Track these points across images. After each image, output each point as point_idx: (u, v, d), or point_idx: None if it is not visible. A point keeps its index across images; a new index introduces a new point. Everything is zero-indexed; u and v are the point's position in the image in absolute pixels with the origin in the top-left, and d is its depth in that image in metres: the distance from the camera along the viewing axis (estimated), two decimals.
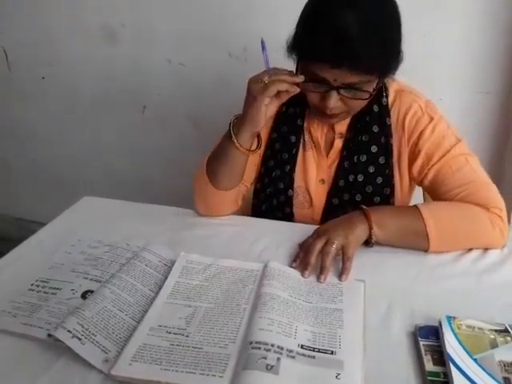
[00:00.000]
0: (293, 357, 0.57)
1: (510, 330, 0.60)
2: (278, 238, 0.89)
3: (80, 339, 0.61)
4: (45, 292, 0.72)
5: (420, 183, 0.92)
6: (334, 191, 0.95)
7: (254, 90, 0.82)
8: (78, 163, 1.93)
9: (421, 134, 0.88)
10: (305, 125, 0.96)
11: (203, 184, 0.92)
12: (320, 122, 0.94)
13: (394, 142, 0.92)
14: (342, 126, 0.94)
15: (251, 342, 0.58)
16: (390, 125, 0.91)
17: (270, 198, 0.99)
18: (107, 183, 1.89)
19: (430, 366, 0.57)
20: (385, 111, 0.91)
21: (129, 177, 1.88)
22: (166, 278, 0.75)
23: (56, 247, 0.84)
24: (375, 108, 0.90)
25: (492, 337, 0.59)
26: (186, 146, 1.71)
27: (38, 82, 1.81)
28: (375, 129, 0.91)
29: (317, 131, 0.95)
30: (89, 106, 1.81)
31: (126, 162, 1.88)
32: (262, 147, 0.98)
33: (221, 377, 0.55)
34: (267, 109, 0.84)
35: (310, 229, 0.86)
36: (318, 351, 0.59)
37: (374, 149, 0.91)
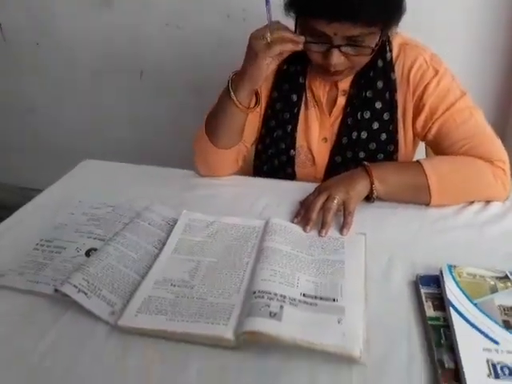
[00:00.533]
0: (295, 305, 0.58)
1: (510, 276, 0.61)
2: (279, 196, 0.89)
3: (86, 293, 0.62)
4: (50, 251, 0.73)
5: (423, 138, 0.91)
6: (336, 149, 0.95)
7: (256, 47, 0.80)
8: (76, 132, 1.92)
9: (426, 87, 0.87)
10: (306, 83, 0.94)
11: (203, 143, 0.92)
12: (323, 80, 0.93)
13: (399, 97, 0.90)
14: (345, 83, 0.92)
15: (254, 292, 0.59)
16: (395, 80, 0.89)
17: (272, 159, 0.99)
18: (106, 151, 1.87)
19: (430, 311, 0.58)
20: (389, 66, 0.89)
21: (128, 144, 1.87)
22: (169, 235, 0.75)
23: (57, 209, 0.85)
24: (379, 63, 0.88)
25: (492, 283, 0.60)
26: (186, 110, 1.68)
27: (34, 51, 1.78)
28: (379, 84, 0.89)
29: (319, 89, 0.94)
30: (85, 72, 1.78)
31: (125, 129, 1.87)
32: (263, 107, 0.97)
33: (225, 325, 0.56)
34: (268, 67, 0.82)
35: (311, 187, 0.86)
36: (320, 299, 0.59)
37: (378, 105, 0.90)
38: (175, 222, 0.79)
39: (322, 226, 0.75)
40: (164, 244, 0.73)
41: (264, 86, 0.94)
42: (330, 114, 0.95)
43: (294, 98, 0.94)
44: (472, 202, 0.83)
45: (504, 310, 0.56)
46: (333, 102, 0.94)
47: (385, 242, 0.74)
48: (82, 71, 1.79)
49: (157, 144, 1.81)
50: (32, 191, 1.05)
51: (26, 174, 2.07)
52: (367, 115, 0.91)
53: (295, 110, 0.95)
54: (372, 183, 0.79)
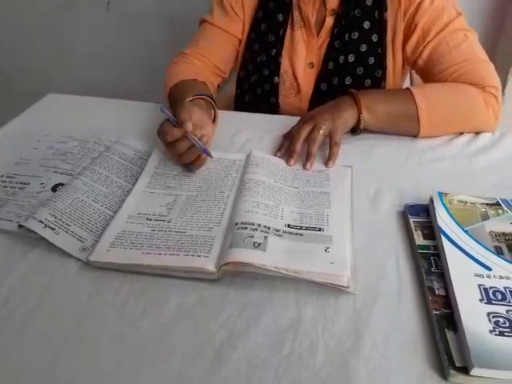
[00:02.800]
0: (280, 235, 0.55)
1: (501, 203, 0.59)
2: (261, 129, 0.83)
3: (53, 229, 0.57)
4: (12, 187, 0.67)
5: (413, 64, 0.86)
6: (322, 75, 0.89)
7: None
8: (40, 70, 1.78)
9: (419, 5, 0.81)
10: (294, 1, 0.87)
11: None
12: None
13: (389, 17, 0.84)
14: (333, 1, 0.85)
15: (237, 223, 0.56)
16: None
17: (255, 87, 0.93)
18: (72, 90, 1.77)
19: (420, 240, 0.56)
20: None
21: (95, 83, 1.74)
22: (143, 169, 0.70)
23: (20, 144, 0.78)
24: None
25: (483, 210, 0.58)
26: (157, 44, 1.57)
27: None
28: (369, 2, 0.83)
29: (308, 6, 0.86)
30: (49, 4, 1.63)
31: (93, 67, 1.74)
32: (246, 29, 0.90)
33: (206, 256, 0.52)
34: None
35: (294, 120, 0.80)
36: (306, 229, 0.56)
37: (366, 25, 0.84)
38: (148, 156, 0.73)
39: (306, 158, 0.71)
40: (137, 178, 0.68)
41: (248, 5, 0.88)
42: (317, 36, 0.88)
43: (280, 17, 0.87)
44: (461, 134, 0.80)
45: (495, 236, 0.54)
46: (321, 23, 0.87)
47: (371, 174, 0.70)
48: (44, 1, 1.63)
49: (127, 82, 1.70)
50: None
51: None
52: (355, 36, 0.84)
53: (281, 32, 0.88)
54: (360, 113, 0.75)
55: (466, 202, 0.59)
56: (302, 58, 0.90)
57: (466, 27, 0.81)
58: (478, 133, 0.80)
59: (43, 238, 0.56)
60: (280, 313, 0.49)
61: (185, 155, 0.66)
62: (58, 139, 0.78)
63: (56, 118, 0.88)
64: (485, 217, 0.57)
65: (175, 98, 0.80)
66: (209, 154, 0.67)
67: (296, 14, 0.88)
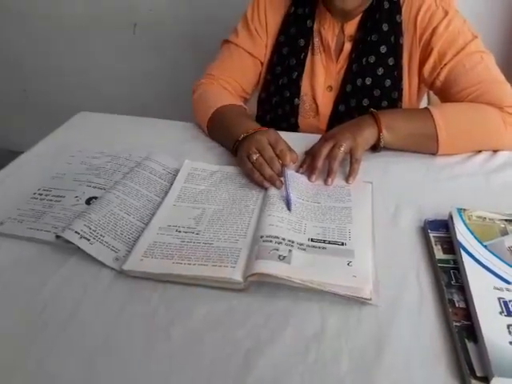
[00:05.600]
0: (304, 249, 0.57)
1: None
2: None
3: (88, 240, 0.60)
4: (49, 200, 0.71)
5: (431, 85, 0.88)
6: (340, 97, 0.92)
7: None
8: (66, 91, 1.86)
9: (434, 30, 0.84)
10: (315, 27, 0.91)
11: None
12: (332, 17, 0.89)
13: (405, 41, 0.87)
14: (351, 27, 0.89)
15: (262, 236, 0.58)
16: (401, 23, 0.86)
17: (276, 108, 0.96)
18: (99, 110, 1.84)
19: (440, 254, 0.58)
20: (395, 8, 0.85)
21: (121, 103, 1.80)
22: (172, 184, 0.73)
23: (55, 159, 0.82)
24: (385, 4, 0.85)
25: (502, 226, 0.59)
26: (182, 66, 1.63)
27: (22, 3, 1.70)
28: (385, 27, 0.86)
29: (328, 32, 0.90)
30: (75, 24, 1.71)
31: (118, 87, 1.81)
32: (268, 52, 0.94)
33: (233, 267, 0.55)
34: None
35: (315, 138, 0.83)
36: (329, 243, 0.59)
37: (383, 49, 0.87)
38: (177, 171, 0.77)
39: (327, 175, 0.74)
40: (166, 193, 0.72)
41: (271, 29, 0.92)
42: (336, 61, 0.92)
43: (301, 42, 0.91)
44: (479, 152, 0.82)
45: None
46: (340, 49, 0.91)
47: (391, 190, 0.72)
48: (71, 23, 1.71)
49: (152, 103, 1.76)
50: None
51: (15, 137, 2.01)
52: (372, 60, 0.88)
53: (302, 56, 0.92)
54: (380, 131, 0.77)
55: (485, 218, 0.61)
56: (321, 81, 0.93)
57: (482, 49, 0.83)
58: (495, 151, 0.82)
59: (78, 248, 0.60)
60: (304, 322, 0.51)
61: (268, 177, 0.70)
62: (90, 155, 0.83)
63: (88, 134, 0.92)
64: (504, 232, 0.58)
65: (235, 123, 0.83)
66: (289, 206, 0.65)
67: (316, 39, 0.92)
